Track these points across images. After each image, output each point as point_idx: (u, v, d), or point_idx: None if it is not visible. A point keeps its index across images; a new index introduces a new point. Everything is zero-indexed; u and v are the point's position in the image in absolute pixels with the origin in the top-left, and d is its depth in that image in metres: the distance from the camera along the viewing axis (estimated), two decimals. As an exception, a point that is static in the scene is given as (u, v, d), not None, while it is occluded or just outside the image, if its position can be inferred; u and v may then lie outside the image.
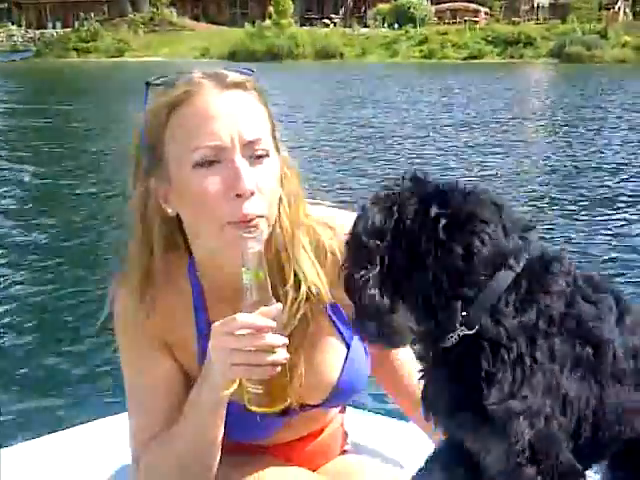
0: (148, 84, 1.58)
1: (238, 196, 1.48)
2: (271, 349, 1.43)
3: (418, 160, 13.80)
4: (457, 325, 1.31)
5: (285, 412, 1.61)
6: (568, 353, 1.28)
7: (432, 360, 1.41)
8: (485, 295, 1.30)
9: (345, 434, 1.98)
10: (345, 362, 1.72)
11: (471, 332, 1.30)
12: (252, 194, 1.49)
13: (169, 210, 1.57)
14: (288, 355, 1.47)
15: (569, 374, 1.27)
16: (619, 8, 61.30)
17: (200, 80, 1.53)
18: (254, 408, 1.49)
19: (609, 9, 61.16)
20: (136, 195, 1.58)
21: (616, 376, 1.30)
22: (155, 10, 71.79)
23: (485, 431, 1.31)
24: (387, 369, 1.90)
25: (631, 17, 60.85)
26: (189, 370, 1.68)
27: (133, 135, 1.60)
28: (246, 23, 65.30)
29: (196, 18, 74.23)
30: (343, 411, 1.96)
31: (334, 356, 1.72)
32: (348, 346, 1.73)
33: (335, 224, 1.69)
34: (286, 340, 1.46)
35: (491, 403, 1.28)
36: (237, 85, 1.55)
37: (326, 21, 67.28)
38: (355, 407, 2.17)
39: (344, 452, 1.96)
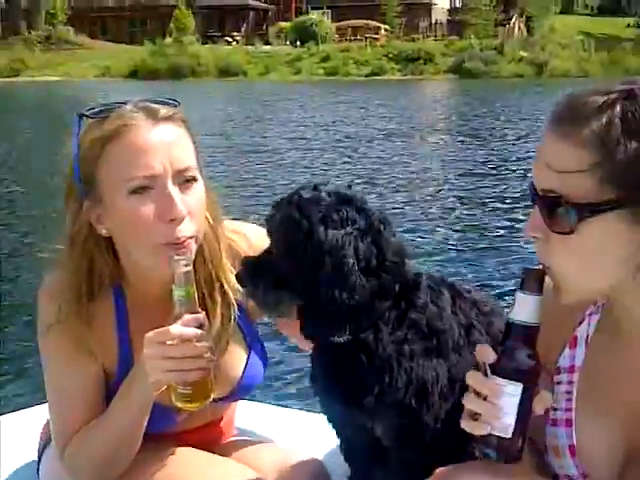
0: (81, 116, 1.70)
1: (171, 220, 1.63)
2: (200, 355, 1.59)
3: (310, 174, 13.91)
4: (344, 331, 1.64)
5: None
6: (422, 349, 1.65)
7: (320, 346, 1.75)
8: (372, 312, 1.65)
9: (233, 426, 2.18)
10: (247, 360, 1.92)
11: (349, 338, 1.64)
12: (183, 218, 1.64)
13: (103, 231, 1.71)
14: (214, 358, 1.66)
15: (424, 362, 1.65)
16: (514, 24, 62.96)
17: (133, 115, 1.66)
18: (183, 406, 1.65)
19: (504, 25, 62.82)
20: (68, 214, 1.73)
21: (456, 350, 1.68)
22: (51, 28, 70.07)
23: (360, 417, 1.71)
24: None
25: (525, 33, 62.60)
26: (108, 371, 1.83)
27: (69, 164, 1.73)
28: (146, 41, 64.26)
29: (94, 36, 72.56)
30: (236, 400, 2.11)
31: (238, 354, 1.90)
32: (249, 345, 1.94)
33: (242, 232, 1.94)
34: (212, 345, 1.64)
35: (366, 401, 1.65)
36: (168, 119, 1.69)
37: (228, 39, 67.06)
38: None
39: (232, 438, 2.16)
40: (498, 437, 1.34)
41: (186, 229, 1.66)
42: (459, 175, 14.14)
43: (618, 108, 1.25)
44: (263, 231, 1.77)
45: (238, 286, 1.80)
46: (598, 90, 1.29)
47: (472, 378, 1.36)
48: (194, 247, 1.69)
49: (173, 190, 1.64)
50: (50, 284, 1.81)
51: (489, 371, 1.34)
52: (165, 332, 1.59)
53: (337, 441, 1.95)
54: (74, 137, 1.70)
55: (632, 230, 1.26)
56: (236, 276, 1.74)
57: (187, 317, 1.59)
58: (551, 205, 1.29)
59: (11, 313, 6.74)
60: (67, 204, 1.75)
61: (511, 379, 1.33)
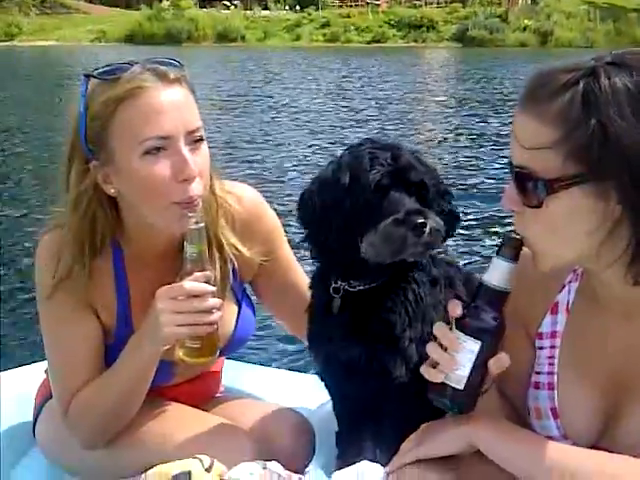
0: (88, 76, 1.72)
1: (184, 180, 1.69)
2: (210, 310, 1.69)
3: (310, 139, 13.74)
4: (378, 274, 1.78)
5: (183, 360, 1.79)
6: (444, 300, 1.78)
7: (332, 301, 1.82)
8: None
9: (220, 381, 2.28)
10: (238, 316, 2.01)
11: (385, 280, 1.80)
12: (195, 178, 1.70)
13: (111, 190, 1.74)
14: (221, 313, 1.74)
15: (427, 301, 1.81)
16: (518, -8, 62.09)
17: (144, 76, 1.69)
18: (191, 360, 1.74)
19: (508, -7, 61.94)
20: (74, 174, 1.76)
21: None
22: (47, -9, 68.68)
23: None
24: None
25: (530, 1, 61.69)
26: (107, 327, 1.89)
27: (71, 119, 1.74)
28: (142, 5, 63.24)
29: (90, 0, 71.37)
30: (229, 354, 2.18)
31: (229, 311, 1.96)
32: (239, 301, 2.02)
33: (234, 191, 1.98)
34: (221, 301, 1.74)
35: (398, 331, 1.76)
36: (176, 80, 1.73)
37: (226, 3, 65.80)
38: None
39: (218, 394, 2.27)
40: (452, 387, 1.43)
41: (197, 188, 1.71)
42: (461, 145, 13.81)
43: (580, 86, 1.29)
44: (253, 190, 2.04)
45: (235, 251, 1.91)
46: (565, 68, 1.33)
47: (438, 329, 1.45)
48: (200, 204, 1.74)
49: (185, 151, 1.68)
50: (49, 242, 1.83)
51: (454, 325, 1.43)
52: (177, 287, 1.67)
53: (322, 400, 2.12)
54: (81, 97, 1.70)
55: (596, 205, 1.32)
56: (413, 225, 1.68)
57: (198, 274, 1.68)
58: (523, 180, 1.36)
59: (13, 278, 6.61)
60: (70, 164, 1.77)
61: (471, 336, 1.41)
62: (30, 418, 2.15)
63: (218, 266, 1.87)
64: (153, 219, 1.76)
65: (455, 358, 1.42)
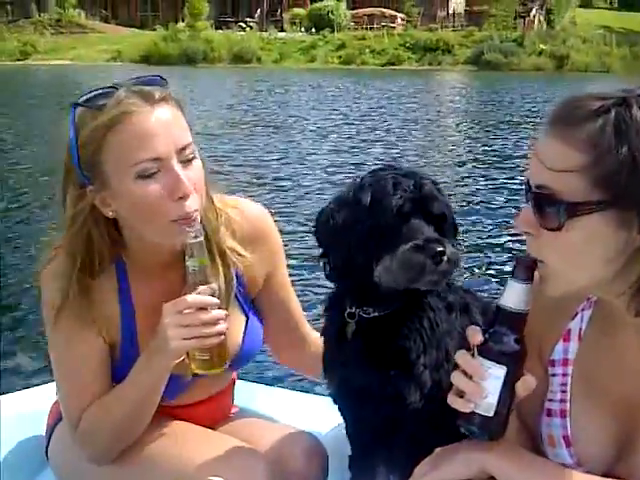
0: (76, 105, 1.75)
1: (180, 198, 1.72)
2: (216, 321, 1.72)
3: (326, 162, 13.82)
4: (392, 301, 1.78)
5: (196, 374, 1.85)
6: (459, 328, 1.78)
7: (346, 326, 1.81)
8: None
9: (232, 400, 2.31)
10: (245, 330, 2.02)
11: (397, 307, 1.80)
12: (190, 194, 1.73)
13: (109, 213, 1.78)
14: (226, 324, 1.77)
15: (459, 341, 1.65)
16: (534, 16, 62.10)
17: (130, 100, 1.70)
18: (202, 371, 1.79)
19: (524, 17, 61.86)
20: (69, 199, 1.79)
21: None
22: (62, 11, 69.17)
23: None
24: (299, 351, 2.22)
25: (545, 26, 61.59)
26: (113, 340, 1.91)
27: (66, 150, 1.77)
28: (158, 26, 63.69)
29: (105, 20, 71.94)
30: (233, 379, 2.25)
31: (237, 323, 1.99)
32: (247, 315, 2.04)
33: (238, 206, 2.02)
34: (226, 312, 1.78)
35: (414, 356, 1.75)
36: (163, 99, 1.74)
37: (242, 25, 66.00)
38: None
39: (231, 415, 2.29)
40: (481, 415, 1.42)
41: (193, 203, 1.74)
42: (476, 166, 13.87)
43: (612, 114, 1.31)
44: (258, 206, 2.08)
45: (237, 256, 1.94)
46: (596, 95, 1.35)
47: (461, 357, 1.44)
48: (199, 218, 1.76)
49: (178, 169, 1.71)
50: (50, 266, 1.86)
51: (476, 352, 1.42)
52: (182, 301, 1.72)
53: (335, 422, 2.14)
54: (71, 126, 1.73)
55: (617, 233, 1.32)
56: (434, 253, 1.68)
57: (201, 286, 1.72)
58: (542, 201, 1.35)
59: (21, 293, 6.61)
60: (66, 189, 1.80)
61: (496, 361, 1.40)
62: (43, 438, 2.18)
63: (222, 272, 1.90)
64: (153, 237, 1.80)
65: (482, 386, 1.41)
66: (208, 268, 1.76)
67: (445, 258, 1.65)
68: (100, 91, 1.75)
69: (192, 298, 1.71)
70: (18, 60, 59.34)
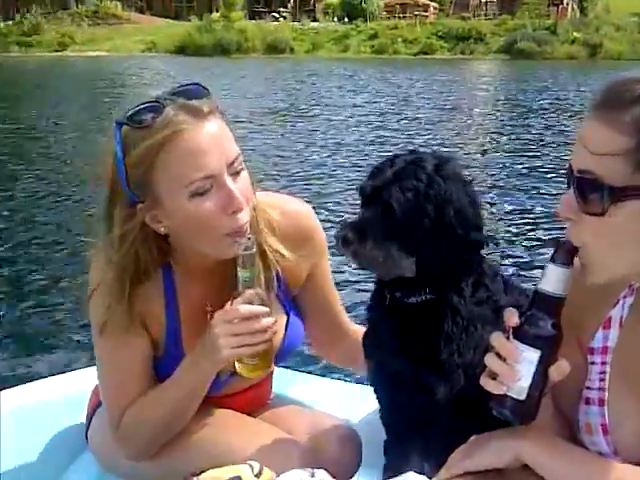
0: (120, 124, 1.71)
1: (233, 212, 1.72)
2: (265, 329, 1.75)
3: (358, 152, 13.61)
4: (425, 289, 1.76)
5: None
6: (493, 317, 1.74)
7: (386, 309, 1.83)
8: (455, 272, 1.75)
9: (270, 388, 2.31)
10: (286, 328, 2.03)
11: (431, 297, 1.76)
12: (243, 207, 1.74)
13: (162, 229, 1.78)
14: (276, 329, 1.81)
15: (491, 330, 1.53)
16: (567, 4, 61.54)
17: (179, 119, 1.68)
18: (247, 375, 1.84)
19: (557, 5, 61.36)
20: (117, 218, 1.76)
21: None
22: (99, 3, 69.97)
23: (432, 376, 1.76)
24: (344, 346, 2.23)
25: (578, 14, 61.07)
26: (156, 340, 1.93)
27: (107, 167, 1.75)
28: (192, 16, 64.13)
29: (140, 11, 72.71)
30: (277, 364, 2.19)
31: (278, 323, 1.89)
32: (287, 312, 2.04)
33: (277, 204, 2.00)
34: (275, 320, 1.79)
35: (444, 356, 1.75)
36: (210, 112, 1.72)
37: (275, 15, 66.38)
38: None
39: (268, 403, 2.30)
40: (513, 398, 1.41)
41: (245, 216, 1.75)
42: (509, 155, 13.76)
43: None
44: (300, 203, 2.07)
45: (279, 256, 1.94)
46: None
47: (496, 339, 1.43)
48: (249, 229, 1.77)
49: (230, 184, 1.70)
50: (98, 280, 1.86)
51: (511, 335, 1.42)
52: (234, 311, 1.74)
53: (370, 409, 2.15)
54: (117, 145, 1.70)
55: None
56: (337, 237, 1.73)
57: (251, 295, 1.75)
58: (586, 186, 1.33)
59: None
60: (112, 208, 1.78)
61: (531, 345, 1.40)
62: (83, 421, 2.21)
63: (262, 273, 1.89)
64: (205, 249, 1.80)
65: (515, 369, 1.39)
66: (259, 278, 1.80)
67: (345, 244, 1.71)
68: (143, 106, 1.71)
69: (244, 308, 1.73)
70: (56, 51, 60.22)
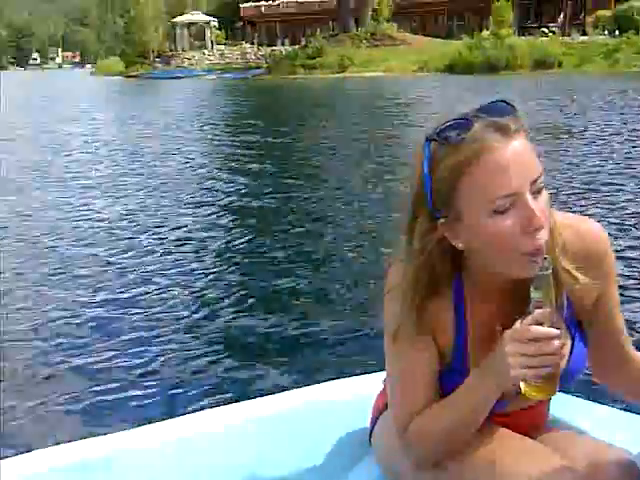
0: (429, 140, 1.72)
1: (534, 231, 1.67)
2: (554, 353, 1.67)
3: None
4: None
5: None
6: None
7: None
8: None
9: (548, 410, 2.23)
10: (572, 350, 1.94)
11: None
12: (543, 226, 1.67)
13: (460, 245, 1.77)
14: (565, 353, 1.78)
15: None
16: None
17: (488, 136, 1.66)
18: (533, 395, 1.75)
19: None
20: (419, 228, 1.79)
21: None
22: (377, 25, 72.97)
23: None
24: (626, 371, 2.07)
25: None
26: (441, 354, 1.94)
27: (412, 182, 1.78)
28: (464, 35, 65.03)
29: (414, 32, 74.71)
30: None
31: (567, 345, 1.89)
32: (572, 334, 1.95)
33: (574, 226, 1.90)
34: (564, 342, 1.71)
35: None
36: (517, 131, 1.68)
37: (544, 30, 65.17)
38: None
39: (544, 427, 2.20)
40: None
41: (544, 235, 1.69)
42: None
43: None
44: (594, 225, 1.92)
45: (570, 279, 1.85)
46: None
47: None
48: (545, 250, 1.71)
49: (532, 203, 1.66)
50: (393, 287, 1.91)
51: None
52: (525, 331, 1.68)
53: None
54: (425, 161, 1.72)
55: None
56: None
57: (540, 314, 1.67)
58: None
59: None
60: (415, 220, 1.80)
61: None
62: (368, 424, 2.27)
63: (553, 297, 1.77)
64: (501, 268, 1.76)
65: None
66: (552, 301, 1.68)
67: None
68: (452, 123, 1.69)
69: (535, 329, 1.66)
70: (337, 73, 64.01)
